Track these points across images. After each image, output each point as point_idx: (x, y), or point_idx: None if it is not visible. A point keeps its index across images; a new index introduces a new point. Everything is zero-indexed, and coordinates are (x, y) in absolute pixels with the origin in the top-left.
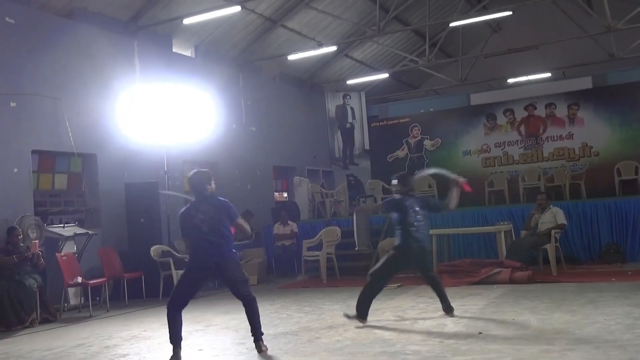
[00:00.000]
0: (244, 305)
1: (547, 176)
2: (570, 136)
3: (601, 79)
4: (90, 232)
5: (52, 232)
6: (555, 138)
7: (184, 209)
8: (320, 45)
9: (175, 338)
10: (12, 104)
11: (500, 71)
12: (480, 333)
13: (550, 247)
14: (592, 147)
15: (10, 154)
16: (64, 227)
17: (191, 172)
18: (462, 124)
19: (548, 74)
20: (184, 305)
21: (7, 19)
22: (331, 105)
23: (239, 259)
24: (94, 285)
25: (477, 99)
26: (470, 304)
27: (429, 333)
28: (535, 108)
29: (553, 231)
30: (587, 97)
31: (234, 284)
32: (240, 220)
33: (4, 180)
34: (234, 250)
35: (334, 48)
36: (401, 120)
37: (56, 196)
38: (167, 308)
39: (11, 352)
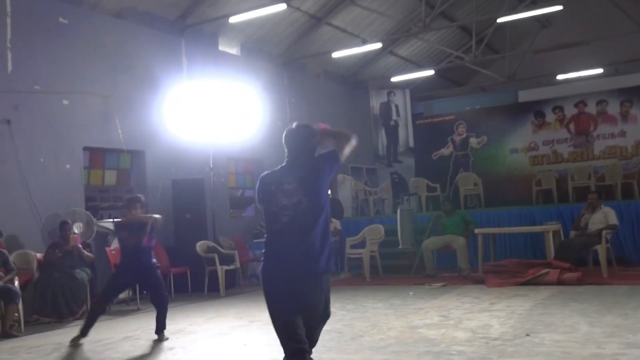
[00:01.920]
0: None
1: (597, 175)
2: (622, 134)
3: None
4: None
5: (101, 226)
6: (606, 136)
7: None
8: (364, 42)
9: None
10: (65, 102)
11: (549, 67)
12: (527, 335)
13: (601, 248)
14: None
15: (63, 150)
16: (113, 222)
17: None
18: (509, 121)
19: (600, 70)
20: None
21: (60, 19)
22: (375, 103)
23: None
24: None
25: (525, 95)
26: (517, 305)
27: (474, 333)
28: (586, 105)
29: (604, 232)
30: None
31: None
32: None
33: (57, 176)
34: None
35: (378, 45)
36: (446, 118)
37: (106, 192)
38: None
39: (63, 343)
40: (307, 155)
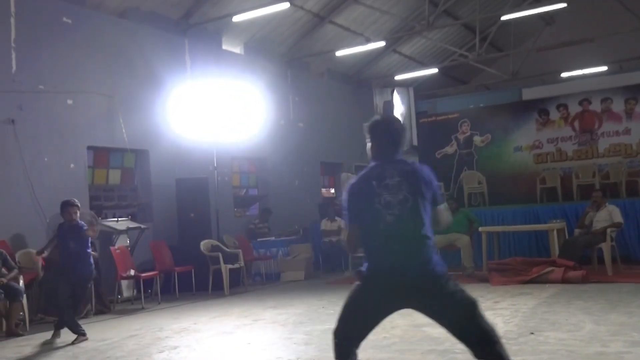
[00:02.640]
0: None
1: (602, 173)
2: (627, 132)
3: None
4: (142, 226)
5: (106, 226)
6: (611, 134)
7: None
8: (368, 40)
9: None
10: (69, 102)
11: (554, 65)
12: (532, 333)
13: (605, 246)
14: None
15: (67, 150)
16: (117, 221)
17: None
18: (513, 119)
19: (604, 68)
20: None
21: (64, 19)
22: (379, 101)
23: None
24: (146, 278)
25: (529, 93)
26: (521, 303)
27: None
28: (590, 103)
29: (609, 230)
30: None
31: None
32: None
33: (61, 175)
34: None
35: (382, 43)
36: (450, 116)
37: (110, 191)
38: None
39: (68, 341)
40: (398, 149)
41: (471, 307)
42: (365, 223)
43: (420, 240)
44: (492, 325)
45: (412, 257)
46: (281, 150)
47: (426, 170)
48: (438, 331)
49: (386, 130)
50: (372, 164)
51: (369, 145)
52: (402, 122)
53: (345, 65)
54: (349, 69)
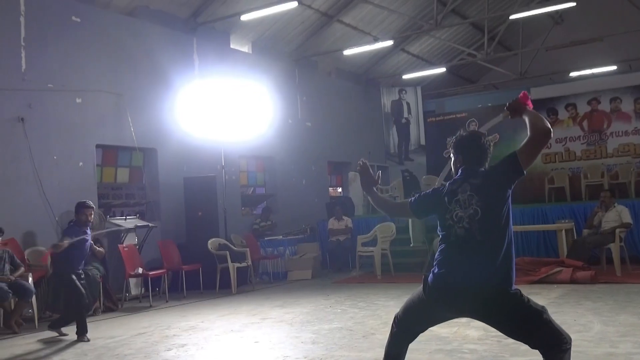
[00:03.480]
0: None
1: (611, 173)
2: (636, 131)
3: None
4: (150, 224)
5: (114, 224)
6: (620, 133)
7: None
8: (376, 40)
9: None
10: (78, 100)
11: (562, 64)
12: None
13: (614, 247)
14: None
15: (76, 148)
16: (125, 219)
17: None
18: (522, 119)
19: (613, 67)
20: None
21: (73, 17)
22: (387, 100)
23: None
24: (154, 276)
25: (537, 93)
26: None
27: (487, 331)
28: (599, 102)
29: (618, 230)
30: None
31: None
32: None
33: (70, 173)
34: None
35: (390, 43)
36: (458, 115)
37: (118, 189)
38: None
39: (74, 338)
40: (482, 165)
41: (538, 315)
42: (442, 230)
43: (487, 253)
44: (562, 331)
45: (475, 268)
46: (289, 149)
47: (500, 174)
48: (446, 330)
49: (468, 144)
50: (452, 179)
51: (452, 159)
52: (485, 136)
53: (353, 65)
54: (356, 68)
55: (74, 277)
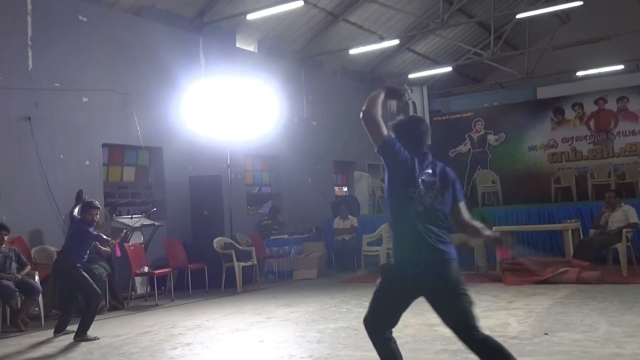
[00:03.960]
0: None
1: (617, 173)
2: None
3: None
4: (156, 223)
5: (120, 222)
6: (627, 133)
7: None
8: (382, 39)
9: None
10: (84, 99)
11: (569, 64)
12: (546, 334)
13: (621, 247)
14: None
15: (82, 147)
16: (131, 218)
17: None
18: (528, 118)
19: (620, 66)
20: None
21: (80, 17)
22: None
23: None
24: (160, 275)
25: (544, 92)
26: (535, 304)
27: (492, 332)
28: (606, 102)
29: (624, 230)
30: None
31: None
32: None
33: (76, 172)
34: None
35: (396, 42)
36: (464, 115)
37: (124, 188)
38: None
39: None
40: (423, 148)
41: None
42: (398, 202)
43: (440, 229)
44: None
45: (430, 242)
46: (294, 148)
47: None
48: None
49: (422, 127)
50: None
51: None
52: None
53: (359, 64)
54: (362, 67)
55: (83, 272)
